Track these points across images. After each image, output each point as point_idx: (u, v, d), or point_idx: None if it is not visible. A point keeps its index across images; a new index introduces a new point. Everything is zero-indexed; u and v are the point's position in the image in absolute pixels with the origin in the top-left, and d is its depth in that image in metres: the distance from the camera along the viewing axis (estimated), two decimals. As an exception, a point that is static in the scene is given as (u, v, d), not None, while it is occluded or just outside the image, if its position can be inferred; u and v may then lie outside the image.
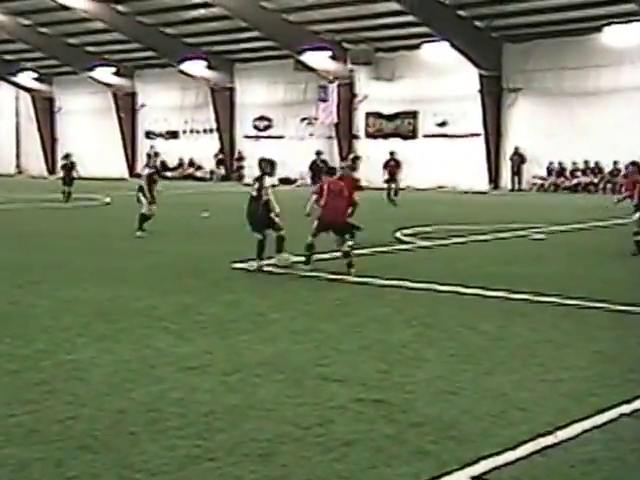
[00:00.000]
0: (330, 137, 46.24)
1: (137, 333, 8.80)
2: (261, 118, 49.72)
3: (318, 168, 31.92)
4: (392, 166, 29.95)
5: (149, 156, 20.00)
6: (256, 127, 50.05)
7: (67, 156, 31.57)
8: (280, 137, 48.28)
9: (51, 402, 6.41)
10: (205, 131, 51.98)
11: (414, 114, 43.93)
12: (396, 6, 37.17)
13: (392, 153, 30.64)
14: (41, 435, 5.69)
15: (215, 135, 50.86)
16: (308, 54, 43.40)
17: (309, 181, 41.14)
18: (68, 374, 7.19)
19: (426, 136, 43.54)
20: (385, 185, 30.02)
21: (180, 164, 52.89)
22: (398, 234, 18.81)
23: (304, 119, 47.66)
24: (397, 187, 29.68)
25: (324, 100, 45.64)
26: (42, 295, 11.08)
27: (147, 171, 19.25)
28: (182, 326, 9.16)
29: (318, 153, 43.10)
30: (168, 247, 16.65)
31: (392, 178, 29.69)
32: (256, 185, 13.70)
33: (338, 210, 13.53)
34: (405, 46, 42.54)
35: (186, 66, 47.94)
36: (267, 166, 13.91)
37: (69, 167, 30.86)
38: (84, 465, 5.19)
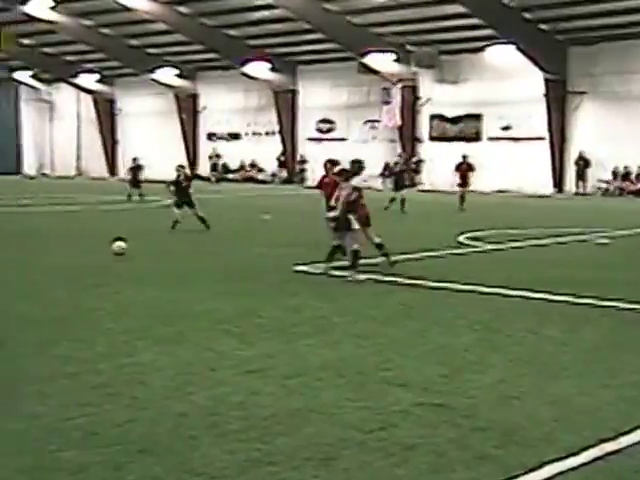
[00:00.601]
0: (393, 140, 46.06)
1: (198, 336, 8.73)
2: (324, 121, 49.72)
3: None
4: (464, 169, 29.35)
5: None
6: (319, 130, 50.06)
7: (135, 159, 32.18)
8: (343, 140, 48.22)
9: (111, 405, 6.36)
10: (267, 133, 52.13)
11: (478, 117, 43.65)
12: (461, 8, 36.92)
13: (464, 156, 29.93)
14: (100, 438, 5.64)
15: (277, 137, 50.99)
16: (372, 56, 43.27)
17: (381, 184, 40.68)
18: (128, 377, 7.14)
19: (490, 139, 43.23)
20: (457, 189, 29.40)
21: (241, 166, 53.12)
22: (462, 238, 18.59)
23: (368, 122, 47.52)
24: (467, 191, 28.99)
25: (387, 103, 45.50)
26: (103, 298, 11.11)
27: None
28: (243, 329, 9.08)
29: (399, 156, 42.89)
30: (229, 250, 16.65)
31: (464, 182, 29.09)
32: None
33: None
34: (470, 49, 42.24)
35: (249, 68, 48.15)
36: (356, 166, 13.64)
37: (136, 169, 31.32)
38: (144, 469, 5.13)
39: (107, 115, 60.32)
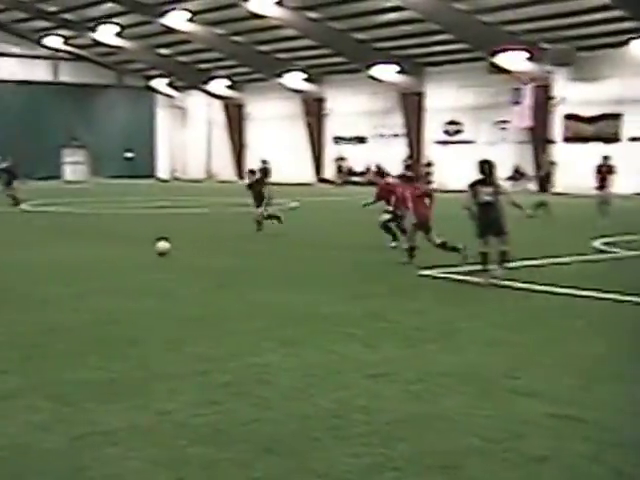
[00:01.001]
0: (523, 142, 45.15)
1: (323, 338, 8.81)
2: (451, 123, 49.25)
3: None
4: (604, 172, 27.81)
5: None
6: (446, 132, 49.63)
7: (264, 162, 32.73)
8: (471, 142, 47.63)
9: (238, 404, 6.49)
10: (393, 136, 52.05)
11: (618, 116, 42.06)
12: (600, 1, 35.63)
13: (606, 157, 28.28)
14: (227, 436, 5.76)
15: (403, 140, 50.83)
16: (503, 55, 42.45)
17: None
18: (255, 377, 7.26)
19: (633, 139, 41.54)
20: (597, 192, 28.03)
21: (367, 169, 53.19)
22: (597, 243, 18.08)
23: (497, 123, 46.79)
24: (608, 194, 27.40)
25: (518, 103, 44.59)
26: (232, 298, 11.33)
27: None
28: (368, 333, 9.10)
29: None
30: (354, 253, 16.70)
31: (603, 185, 27.51)
32: (488, 189, 12.66)
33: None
34: (610, 44, 40.75)
35: (375, 71, 48.20)
36: (489, 168, 13.19)
37: (264, 173, 31.82)
38: (269, 467, 5.21)
39: (236, 120, 61.47)
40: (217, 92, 60.48)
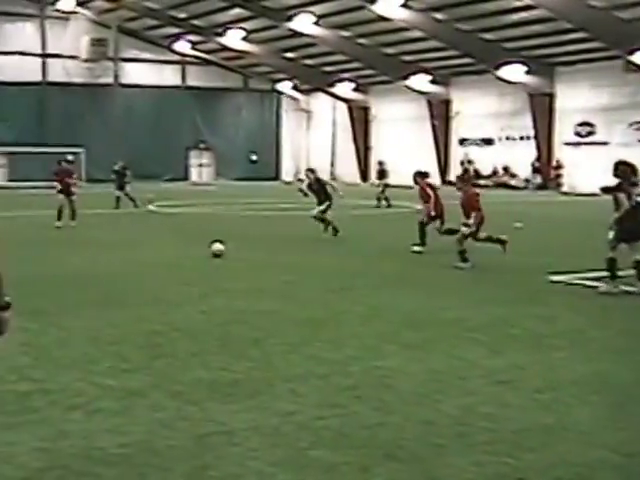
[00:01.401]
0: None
1: (446, 343, 8.65)
2: (583, 124, 47.94)
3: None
4: None
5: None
6: (577, 133, 48.35)
7: (380, 163, 32.72)
8: (604, 144, 46.20)
9: (359, 407, 6.42)
10: (522, 138, 51.11)
11: None
12: None
13: None
14: (348, 439, 5.70)
15: (532, 142, 49.86)
16: (641, 53, 40.79)
17: None
18: (377, 381, 7.18)
19: None
20: None
21: (494, 172, 52.43)
22: None
23: (633, 124, 45.25)
24: None
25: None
26: (353, 301, 11.28)
27: None
28: (493, 338, 8.89)
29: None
30: (478, 257, 16.41)
31: None
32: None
33: None
34: None
35: (503, 72, 47.43)
36: (624, 169, 12.58)
37: (380, 174, 31.85)
38: (390, 473, 5.13)
39: (361, 122, 61.61)
40: (342, 95, 60.77)
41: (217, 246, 15.95)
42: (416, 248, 16.92)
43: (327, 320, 9.93)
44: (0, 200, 35.40)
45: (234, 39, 53.73)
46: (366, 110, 61.52)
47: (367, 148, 61.53)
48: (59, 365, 7.61)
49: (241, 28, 52.32)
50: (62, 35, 56.70)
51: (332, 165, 63.79)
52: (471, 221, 14.59)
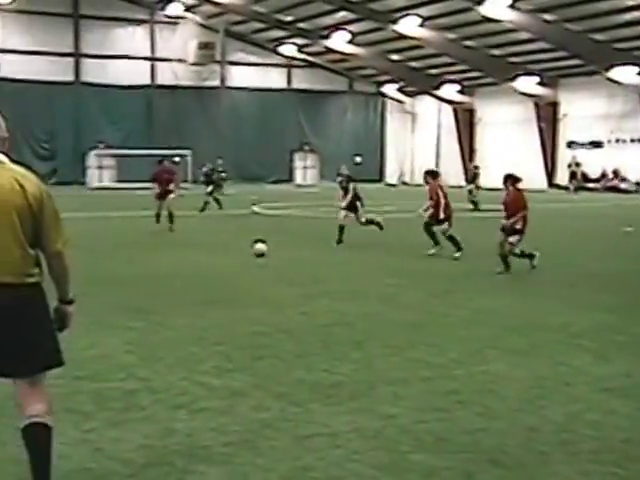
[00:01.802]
0: None
1: (551, 349, 8.49)
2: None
3: None
4: None
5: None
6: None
7: (475, 167, 32.82)
8: None
9: (462, 412, 6.36)
10: (632, 140, 49.73)
11: None
12: None
13: None
14: (451, 444, 5.65)
15: (644, 144, 48.51)
16: None
17: None
18: (480, 386, 7.10)
19: None
20: None
21: (603, 175, 51.17)
22: None
23: None
24: None
25: None
26: (455, 304, 11.18)
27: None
28: (600, 345, 8.68)
29: None
30: (587, 261, 16.08)
31: None
32: None
33: None
34: None
35: (614, 73, 46.26)
36: None
37: (473, 177, 31.78)
38: (493, 479, 5.06)
39: (466, 124, 61.00)
40: (447, 97, 60.31)
41: (259, 246, 16.16)
42: (432, 251, 16.63)
43: (430, 323, 9.88)
44: (109, 200, 36.38)
45: (339, 42, 53.90)
46: (471, 112, 60.89)
47: (472, 151, 60.87)
48: (164, 364, 7.76)
49: (347, 31, 52.45)
50: (170, 39, 57.88)
51: (437, 168, 63.31)
52: (511, 220, 14.09)
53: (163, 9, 55.97)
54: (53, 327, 4.64)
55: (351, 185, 19.27)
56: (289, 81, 62.96)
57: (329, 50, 56.47)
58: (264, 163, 60.06)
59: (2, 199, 4.33)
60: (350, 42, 54.05)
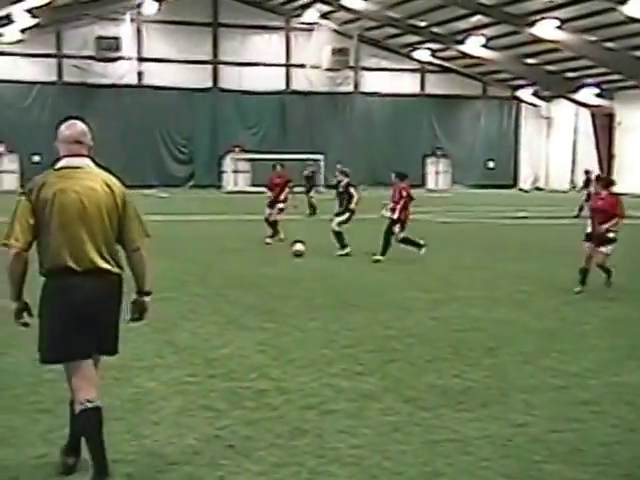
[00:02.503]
0: None
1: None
2: None
3: None
4: None
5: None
6: None
7: (587, 172, 32.61)
8: None
9: (596, 423, 6.20)
10: None
11: None
12: None
13: None
14: (585, 455, 5.52)
15: None
16: None
17: None
18: (615, 396, 6.90)
19: None
20: None
21: None
22: None
23: None
24: None
25: None
26: (590, 312, 10.91)
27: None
28: None
29: None
30: None
31: None
32: None
33: None
34: None
35: None
36: None
37: (586, 183, 31.29)
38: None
39: (604, 129, 59.29)
40: (585, 101, 58.82)
41: (298, 247, 16.81)
42: (376, 258, 16.30)
43: (563, 331, 9.66)
44: (243, 204, 37.05)
45: (474, 46, 53.34)
46: (610, 117, 59.14)
47: (610, 156, 59.17)
48: (296, 365, 7.85)
49: (482, 35, 51.89)
50: (305, 46, 58.59)
51: (572, 173, 61.87)
52: (610, 225, 12.79)
53: (299, 16, 56.74)
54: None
55: (351, 189, 18.24)
56: (422, 86, 62.75)
57: (463, 54, 55.97)
58: (396, 168, 59.85)
59: (96, 200, 4.94)
60: (484, 46, 53.42)
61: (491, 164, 64.13)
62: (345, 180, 18.32)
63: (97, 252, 4.91)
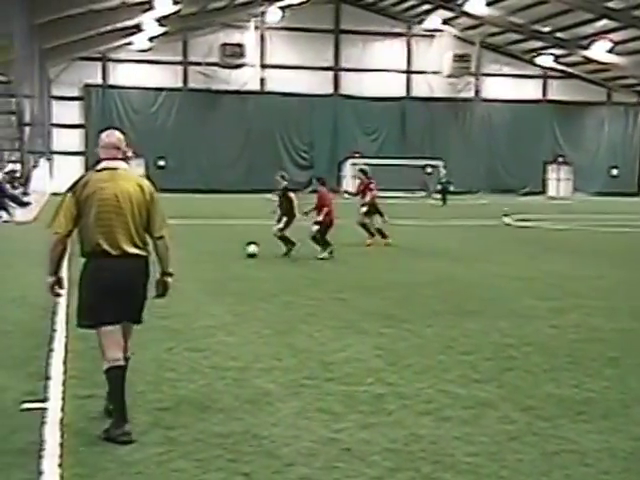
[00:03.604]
0: None
1: None
2: None
3: None
4: None
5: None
6: None
7: None
8: None
9: None
10: None
11: None
12: None
13: None
14: None
15: None
16: None
17: None
18: None
19: None
20: None
21: None
22: None
23: None
24: None
25: None
26: None
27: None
28: None
29: None
30: None
31: None
32: None
33: None
34: None
35: None
36: None
37: None
38: None
39: None
40: None
41: (252, 248, 17.05)
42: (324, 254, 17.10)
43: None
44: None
45: (599, 51, 52.14)
46: None
47: None
48: (412, 371, 7.85)
49: (608, 40, 50.65)
50: (426, 52, 58.43)
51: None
52: None
53: (421, 23, 56.62)
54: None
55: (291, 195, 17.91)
56: (544, 92, 61.68)
57: (588, 60, 54.77)
58: (516, 174, 59.30)
59: (129, 197, 5.93)
60: (611, 51, 52.14)
61: (615, 171, 62.53)
62: (283, 184, 18.05)
63: (128, 240, 5.91)
